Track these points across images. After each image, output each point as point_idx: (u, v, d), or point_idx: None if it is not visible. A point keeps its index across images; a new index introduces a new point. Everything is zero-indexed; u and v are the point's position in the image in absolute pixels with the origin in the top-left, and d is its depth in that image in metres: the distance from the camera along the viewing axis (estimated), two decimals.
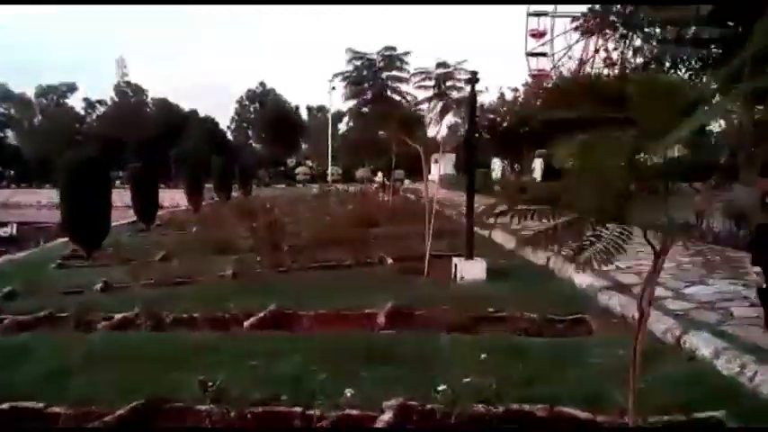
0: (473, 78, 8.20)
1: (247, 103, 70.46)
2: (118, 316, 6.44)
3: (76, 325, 6.48)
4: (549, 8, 68.38)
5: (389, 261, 9.53)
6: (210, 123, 69.85)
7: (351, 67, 9.20)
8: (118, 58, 74.02)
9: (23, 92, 78.22)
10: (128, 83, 68.98)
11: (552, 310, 6.23)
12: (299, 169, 57.75)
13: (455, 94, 8.89)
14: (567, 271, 7.87)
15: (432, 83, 8.79)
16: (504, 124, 21.81)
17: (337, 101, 62.86)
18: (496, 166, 26.66)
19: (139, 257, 11.82)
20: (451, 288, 7.58)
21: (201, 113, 71.04)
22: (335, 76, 9.28)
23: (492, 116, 21.72)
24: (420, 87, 8.97)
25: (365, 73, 9.10)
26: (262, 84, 70.18)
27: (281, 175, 59.90)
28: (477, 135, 19.12)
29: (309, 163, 67.16)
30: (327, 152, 50.71)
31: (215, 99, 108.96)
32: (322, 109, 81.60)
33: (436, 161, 54.46)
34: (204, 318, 6.33)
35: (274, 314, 6.41)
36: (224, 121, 75.85)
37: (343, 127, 76.20)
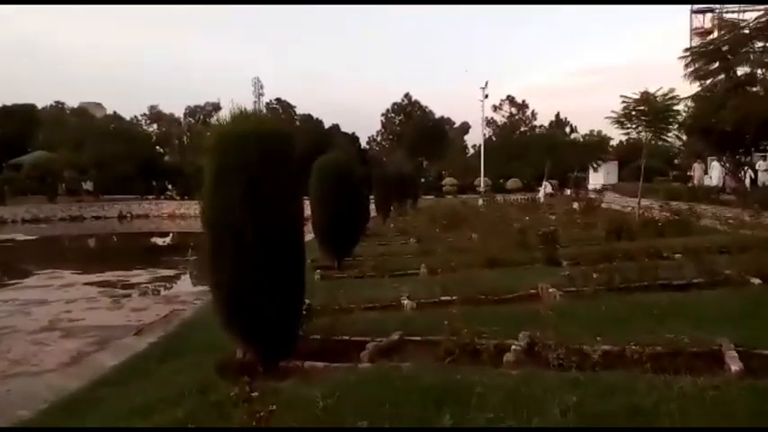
0: None
1: (393, 115, 70.71)
2: (515, 346, 5.01)
3: (450, 353, 5.15)
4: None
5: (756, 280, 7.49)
6: (352, 138, 70.85)
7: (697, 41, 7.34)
8: (254, 77, 78.04)
9: (172, 112, 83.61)
10: (278, 99, 71.80)
11: None
12: (446, 180, 56.44)
13: None
14: None
15: None
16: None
17: (488, 110, 61.00)
18: (716, 170, 23.32)
19: (385, 268, 10.78)
20: None
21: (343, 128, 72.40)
22: (686, 50, 7.48)
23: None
24: None
25: (726, 48, 7.20)
26: (407, 96, 70.32)
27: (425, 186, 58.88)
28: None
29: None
30: (480, 163, 48.96)
31: (354, 114, 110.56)
32: (448, 121, 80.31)
33: (595, 169, 51.15)
34: (635, 354, 4.72)
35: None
36: (363, 135, 76.81)
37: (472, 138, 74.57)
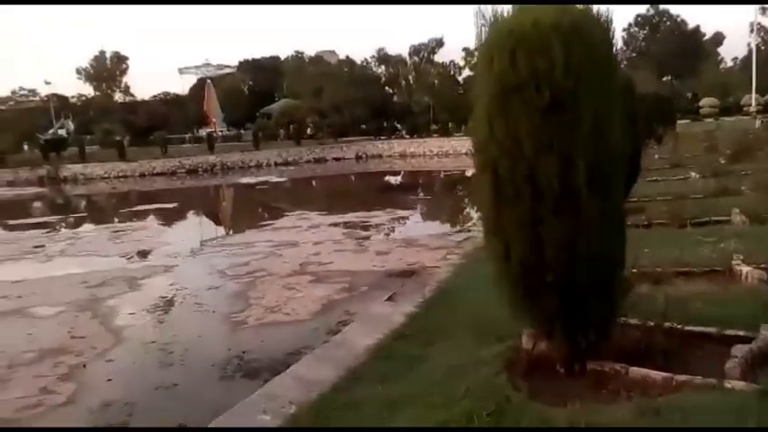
0: None
1: (636, 29, 62.05)
2: None
3: None
4: None
5: None
6: None
7: None
8: (476, 8, 74.18)
9: (399, 53, 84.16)
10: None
11: None
12: (705, 101, 47.93)
13: None
14: None
15: None
16: None
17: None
18: None
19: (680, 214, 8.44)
20: None
21: None
22: None
23: None
24: None
25: None
26: (654, 5, 60.82)
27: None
28: None
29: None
30: (749, 78, 40.54)
31: None
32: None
33: None
34: None
35: None
36: None
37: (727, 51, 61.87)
